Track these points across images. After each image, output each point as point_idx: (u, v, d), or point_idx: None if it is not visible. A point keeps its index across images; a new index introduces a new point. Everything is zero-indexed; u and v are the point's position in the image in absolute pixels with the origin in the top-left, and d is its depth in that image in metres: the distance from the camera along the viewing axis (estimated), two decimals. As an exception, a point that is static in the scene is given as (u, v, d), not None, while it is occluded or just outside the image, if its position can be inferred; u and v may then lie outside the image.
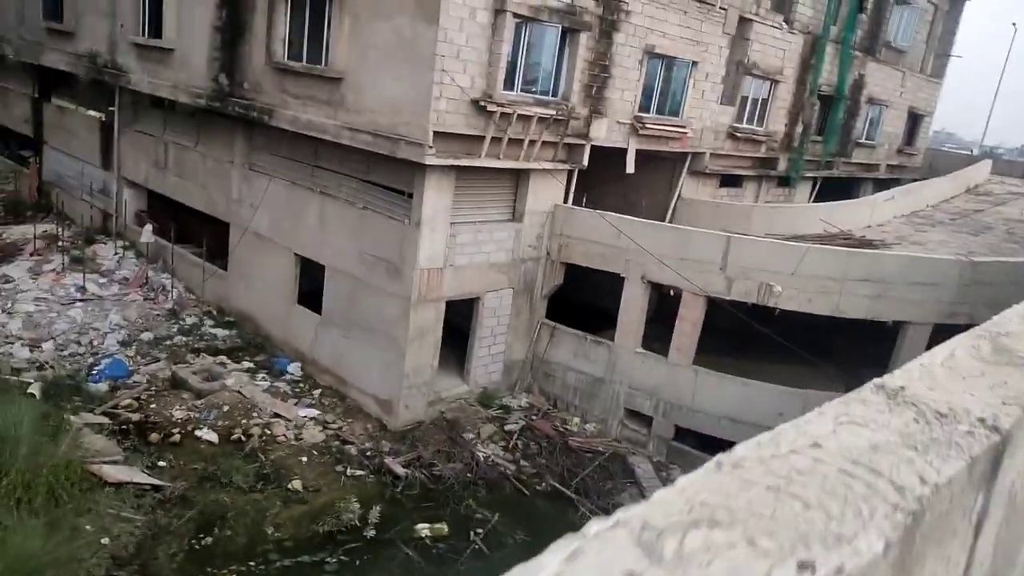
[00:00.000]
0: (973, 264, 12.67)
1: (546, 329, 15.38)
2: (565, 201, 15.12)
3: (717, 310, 13.48)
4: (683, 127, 17.21)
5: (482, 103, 12.45)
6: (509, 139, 13.11)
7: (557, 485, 12.51)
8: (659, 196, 18.74)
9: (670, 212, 18.44)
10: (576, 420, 14.77)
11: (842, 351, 15.11)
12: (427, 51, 11.78)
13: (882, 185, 24.83)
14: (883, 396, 1.05)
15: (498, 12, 12.26)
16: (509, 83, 13.09)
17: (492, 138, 12.86)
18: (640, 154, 16.63)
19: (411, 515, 11.23)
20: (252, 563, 9.59)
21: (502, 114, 12.69)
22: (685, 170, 18.37)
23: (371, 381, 13.86)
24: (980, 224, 20.56)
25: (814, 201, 22.59)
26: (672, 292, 13.87)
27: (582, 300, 15.87)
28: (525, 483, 12.56)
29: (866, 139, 24.33)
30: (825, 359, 14.16)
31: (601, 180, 17.30)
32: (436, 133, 12.07)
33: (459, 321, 14.42)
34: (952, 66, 27.81)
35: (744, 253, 13.02)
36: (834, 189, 23.26)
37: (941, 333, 12.44)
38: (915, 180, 25.13)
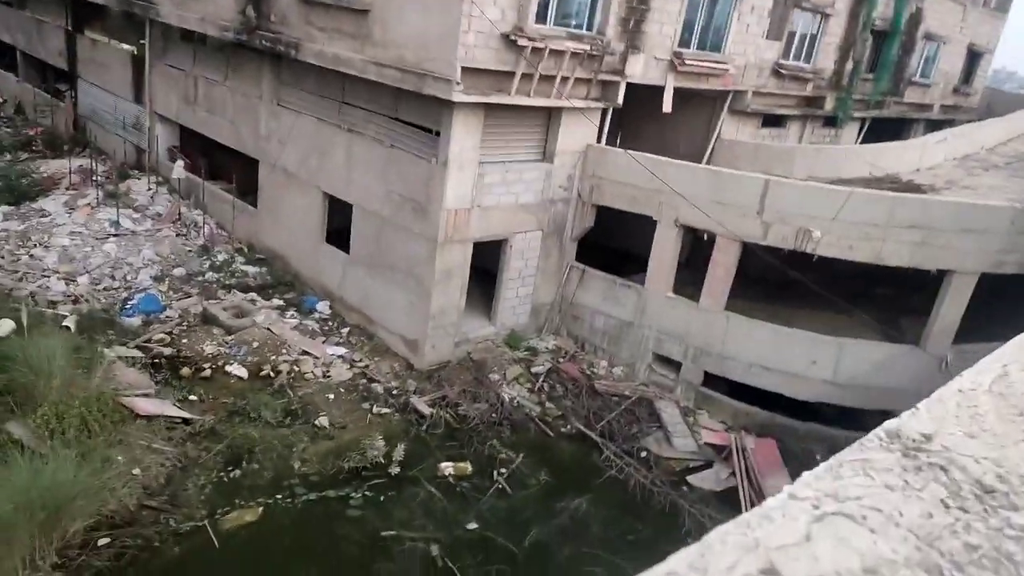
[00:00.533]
0: (1027, 211, 12.00)
1: (575, 272, 15.15)
2: (598, 141, 14.66)
3: (752, 256, 13.08)
4: (725, 64, 16.45)
5: (512, 37, 11.95)
6: (540, 76, 12.63)
7: (582, 428, 12.49)
8: (697, 137, 18.10)
9: (708, 153, 17.83)
10: (603, 363, 14.66)
11: (882, 300, 14.65)
12: (455, -19, 11.28)
13: (935, 126, 23.68)
14: (897, 454, 0.67)
15: (530, -62, 11.65)
16: (542, 16, 12.53)
17: (523, 74, 12.40)
18: (678, 92, 15.97)
19: (435, 453, 11.33)
20: (279, 496, 9.79)
21: (533, 49, 12.19)
22: (725, 109, 17.66)
23: (398, 321, 13.86)
24: (1038, 169, 19.51)
25: (861, 142, 21.66)
26: (706, 236, 13.48)
27: (613, 243, 15.56)
28: (550, 425, 12.57)
29: (920, 77, 23.09)
30: (863, 307, 13.74)
31: (636, 119, 16.73)
32: (464, 69, 11.67)
33: (487, 263, 14.26)
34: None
35: (783, 197, 12.52)
36: (883, 130, 22.22)
37: (985, 281, 11.94)
38: (970, 121, 23.87)
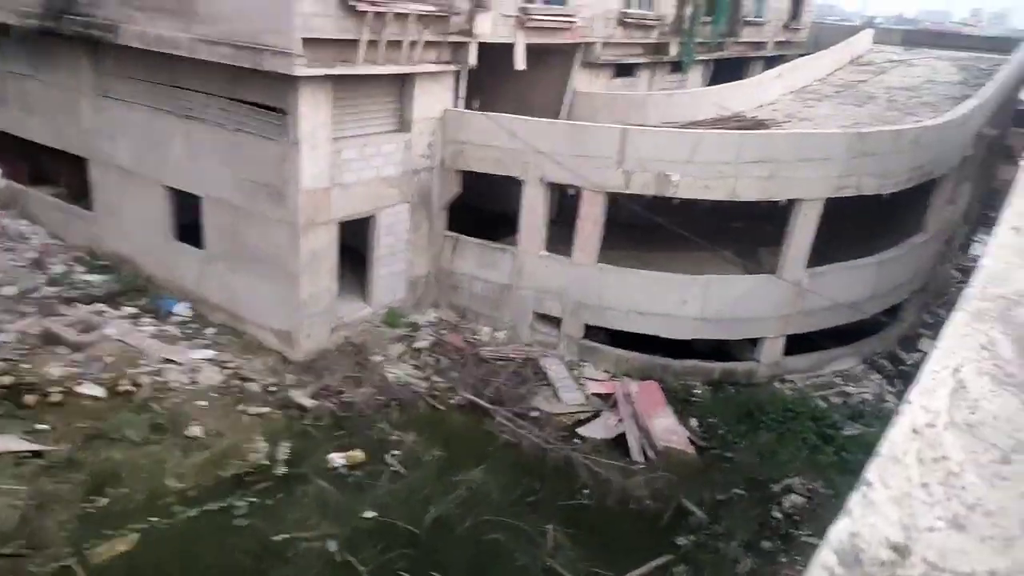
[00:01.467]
0: (860, 136, 12.85)
1: (448, 241, 14.91)
2: (455, 105, 14.35)
3: (619, 205, 13.30)
4: (572, 16, 16.49)
5: (352, 2, 11.35)
6: (387, 42, 12.13)
7: (471, 397, 12.39)
8: (554, 92, 18.14)
9: (566, 108, 17.93)
10: (486, 330, 14.60)
11: (740, 234, 15.36)
12: (279, -55, 10.54)
13: (771, 63, 24.92)
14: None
15: None
16: (378, -22, 11.98)
17: (368, 42, 11.85)
18: (531, 49, 15.88)
19: (323, 446, 10.89)
20: (155, 519, 9.09)
21: (375, 14, 11.65)
22: (577, 62, 17.75)
23: (267, 314, 13.15)
24: (864, 95, 20.99)
25: (707, 84, 22.48)
26: (572, 191, 13.57)
27: (487, 207, 15.37)
28: (439, 399, 12.39)
29: (754, 17, 24.18)
30: (724, 243, 14.35)
31: (493, 80, 16.51)
32: (304, 40, 10.99)
33: (357, 241, 13.77)
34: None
35: (640, 145, 12.75)
36: (726, 70, 23.19)
37: (830, 205, 12.71)
38: (802, 55, 25.31)
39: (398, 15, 11.95)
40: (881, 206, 13.77)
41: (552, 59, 17.66)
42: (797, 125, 16.84)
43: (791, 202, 12.92)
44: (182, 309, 13.88)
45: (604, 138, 12.94)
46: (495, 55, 15.17)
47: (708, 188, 12.65)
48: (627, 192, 12.96)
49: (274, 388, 12.17)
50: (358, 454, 10.80)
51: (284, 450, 10.57)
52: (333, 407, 11.81)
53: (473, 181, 14.47)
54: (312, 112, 11.74)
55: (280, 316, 12.98)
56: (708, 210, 14.39)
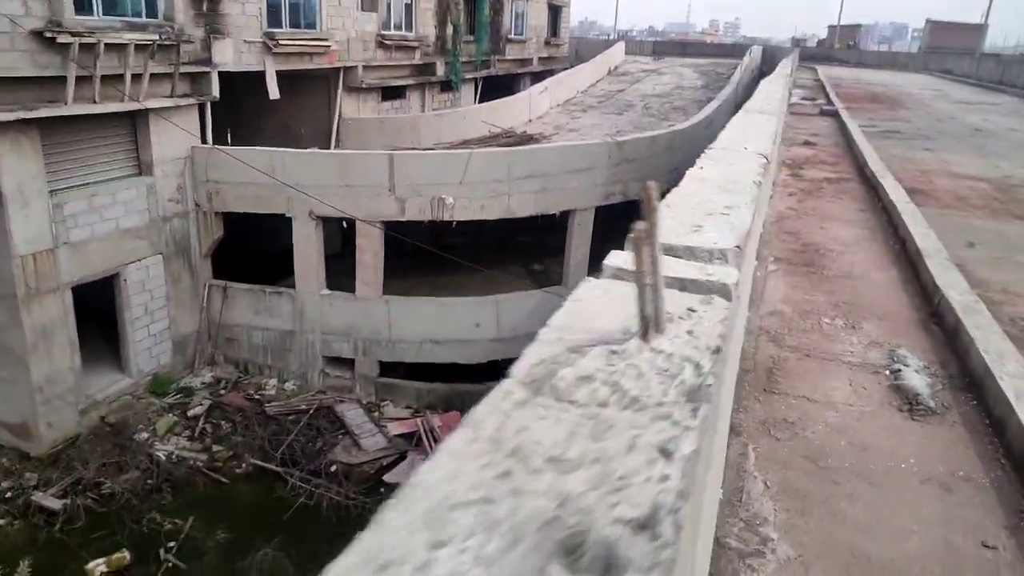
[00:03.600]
0: (619, 144, 13.34)
1: (216, 290, 13.47)
2: (204, 141, 13.00)
3: (406, 232, 12.70)
4: (324, 40, 15.73)
5: (49, 34, 9.77)
6: (104, 76, 10.61)
7: (258, 462, 11.14)
8: (320, 120, 17.23)
9: (334, 136, 17.09)
10: (272, 382, 13.34)
11: (527, 247, 15.43)
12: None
13: (538, 78, 25.78)
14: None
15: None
16: (85, 5, 10.49)
17: (78, 78, 10.28)
18: (285, 76, 14.90)
19: (78, 554, 9.18)
20: None
21: (82, 45, 10.13)
22: (340, 87, 16.99)
23: (-7, 406, 10.98)
24: (623, 103, 22.25)
25: (479, 102, 22.68)
26: (345, 224, 12.78)
27: (269, 245, 14.06)
28: (221, 471, 11.00)
29: (515, 35, 24.88)
30: (513, 258, 14.30)
31: (251, 111, 15.33)
32: (-9, 80, 9.28)
33: (108, 302, 11.98)
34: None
35: (410, 169, 12.27)
36: (496, 87, 23.55)
37: (600, 214, 13.05)
38: (565, 69, 26.47)
39: (112, 46, 10.49)
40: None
41: (313, 85, 16.77)
42: (566, 136, 17.33)
43: (566, 213, 13.10)
44: None
45: (372, 165, 12.32)
46: (250, 84, 14.04)
47: (484, 207, 12.46)
48: (403, 219, 12.42)
49: (10, 494, 10.13)
50: (124, 556, 9.23)
51: (24, 570, 8.75)
52: (90, 503, 10.05)
53: (254, 221, 13.14)
54: (16, 164, 9.94)
55: (10, 406, 10.88)
56: (496, 227, 14.29)
